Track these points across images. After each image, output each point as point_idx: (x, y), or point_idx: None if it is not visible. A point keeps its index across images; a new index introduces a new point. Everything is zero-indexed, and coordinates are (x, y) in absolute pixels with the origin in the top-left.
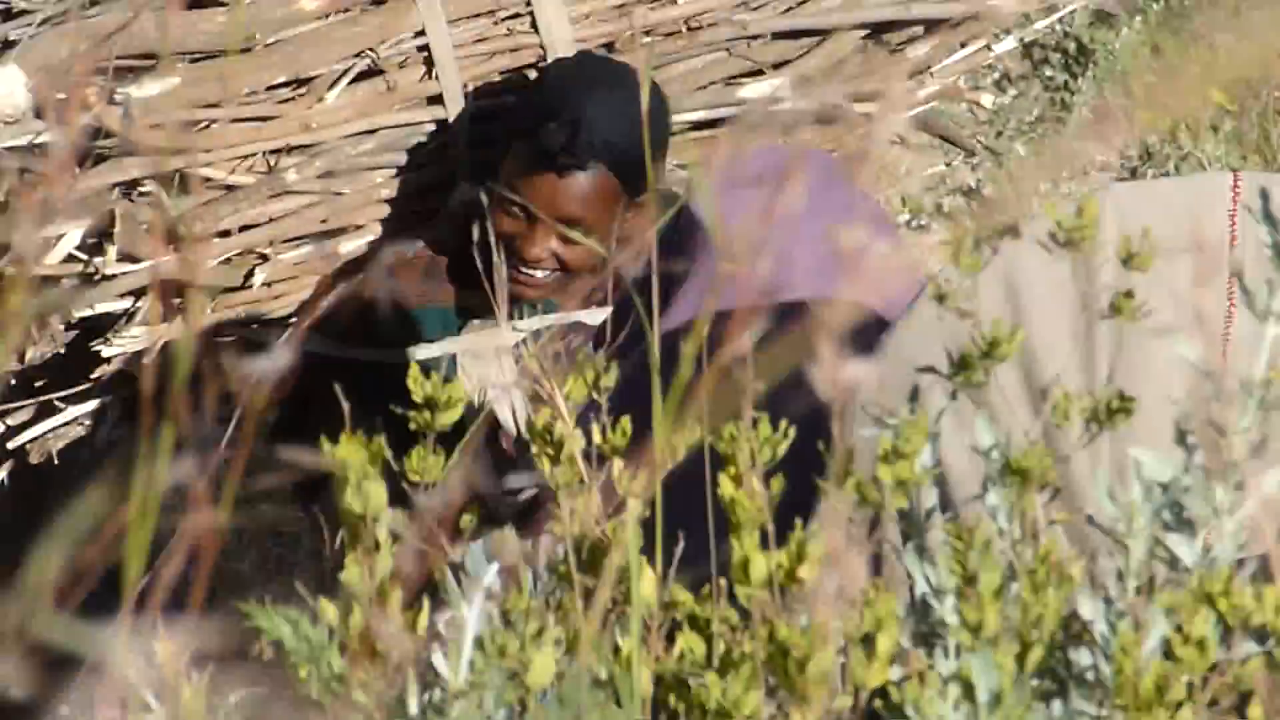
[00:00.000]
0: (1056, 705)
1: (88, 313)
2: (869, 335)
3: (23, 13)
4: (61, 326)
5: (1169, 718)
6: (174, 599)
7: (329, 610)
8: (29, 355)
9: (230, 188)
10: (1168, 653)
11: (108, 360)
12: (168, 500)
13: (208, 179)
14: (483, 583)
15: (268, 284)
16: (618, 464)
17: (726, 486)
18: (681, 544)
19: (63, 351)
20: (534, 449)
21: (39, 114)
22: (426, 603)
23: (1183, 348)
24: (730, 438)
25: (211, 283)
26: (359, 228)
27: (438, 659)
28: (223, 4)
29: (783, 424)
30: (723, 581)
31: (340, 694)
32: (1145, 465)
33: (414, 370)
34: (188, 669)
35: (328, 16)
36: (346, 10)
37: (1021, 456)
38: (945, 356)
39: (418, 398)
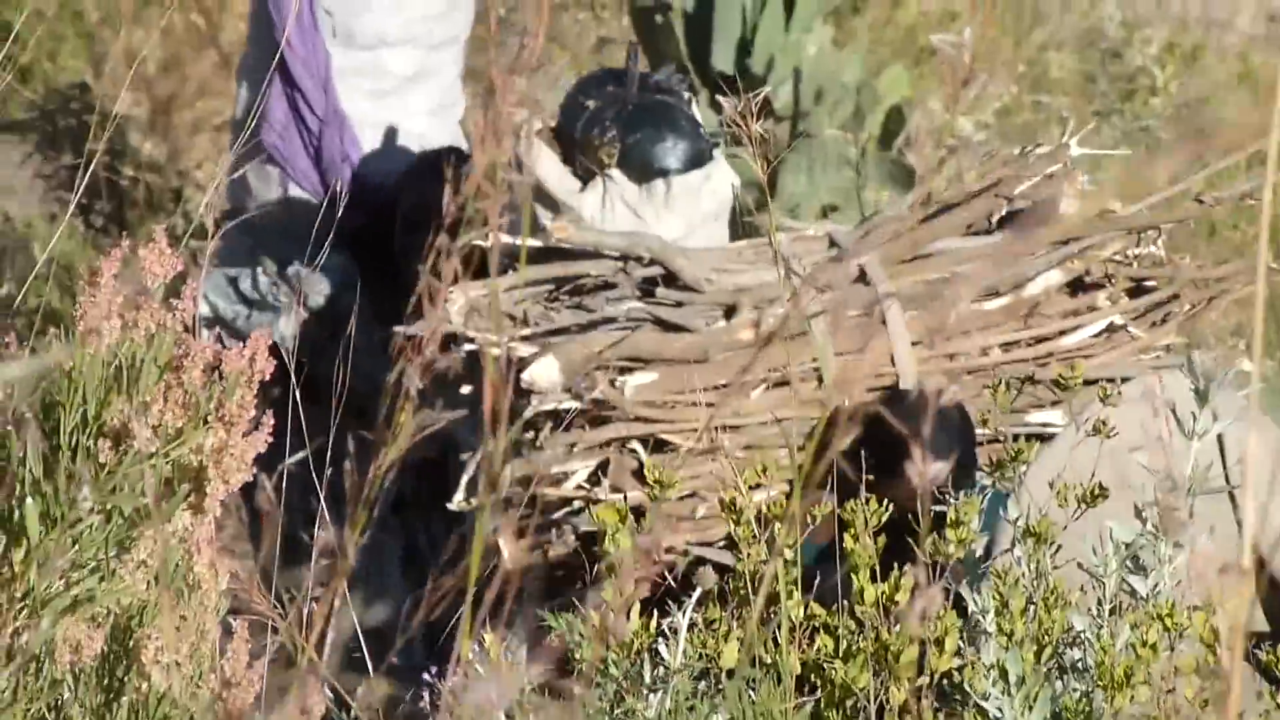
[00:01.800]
0: (1059, 684)
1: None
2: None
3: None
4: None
5: (1133, 693)
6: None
7: (594, 616)
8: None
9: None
10: (1133, 650)
11: None
12: None
13: (670, 442)
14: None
15: (705, 516)
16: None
17: (849, 541)
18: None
19: None
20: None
21: (566, 389)
22: (655, 612)
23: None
24: (850, 509)
25: (667, 511)
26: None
27: (663, 648)
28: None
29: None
30: (845, 603)
31: (600, 670)
32: (1115, 529)
33: None
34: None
35: (755, 345)
36: (768, 342)
37: (1037, 524)
38: None
39: None
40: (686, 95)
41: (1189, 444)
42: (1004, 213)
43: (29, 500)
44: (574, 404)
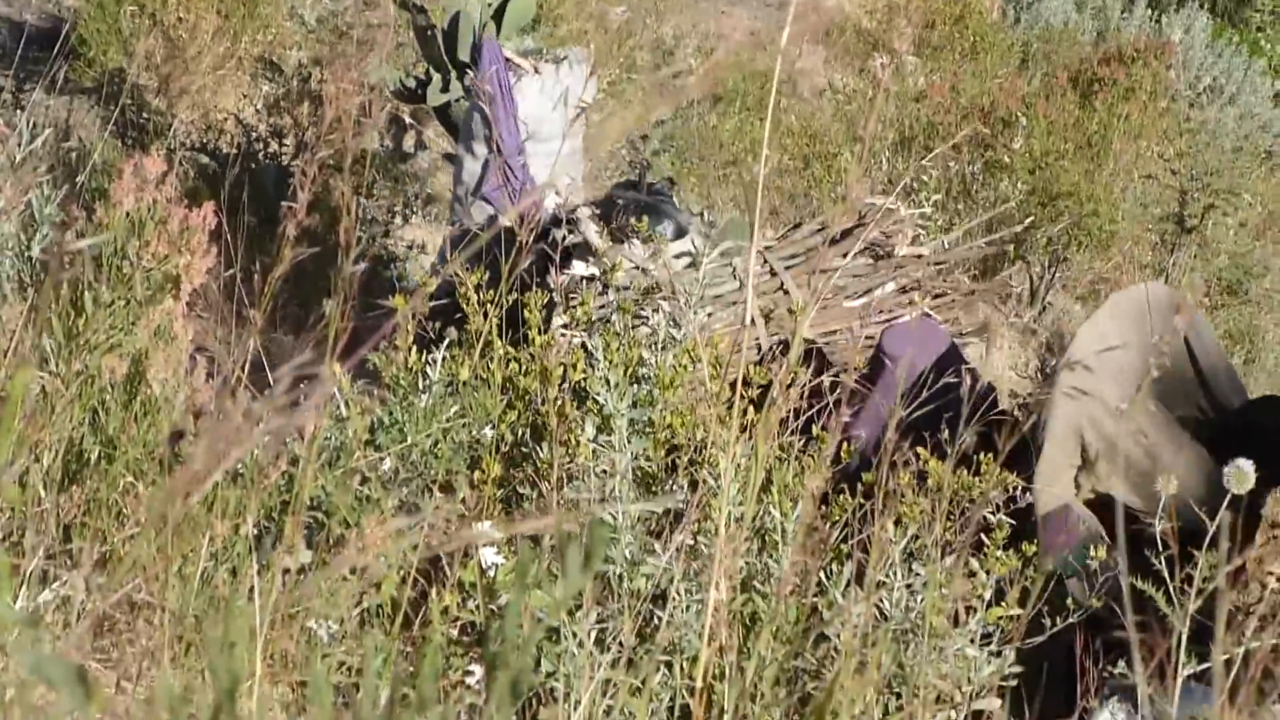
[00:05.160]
0: (637, 386)
1: None
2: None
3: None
4: None
5: (674, 391)
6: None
7: (396, 357)
8: None
9: None
10: (674, 368)
11: None
12: None
13: None
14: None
15: None
16: None
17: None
18: None
19: None
20: None
21: None
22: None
23: None
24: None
25: None
26: None
27: (429, 369)
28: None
29: None
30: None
31: (396, 381)
32: (665, 305)
33: None
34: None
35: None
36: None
37: (623, 303)
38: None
39: None
40: (671, 194)
41: (699, 267)
42: (861, 247)
43: (87, 293)
44: None
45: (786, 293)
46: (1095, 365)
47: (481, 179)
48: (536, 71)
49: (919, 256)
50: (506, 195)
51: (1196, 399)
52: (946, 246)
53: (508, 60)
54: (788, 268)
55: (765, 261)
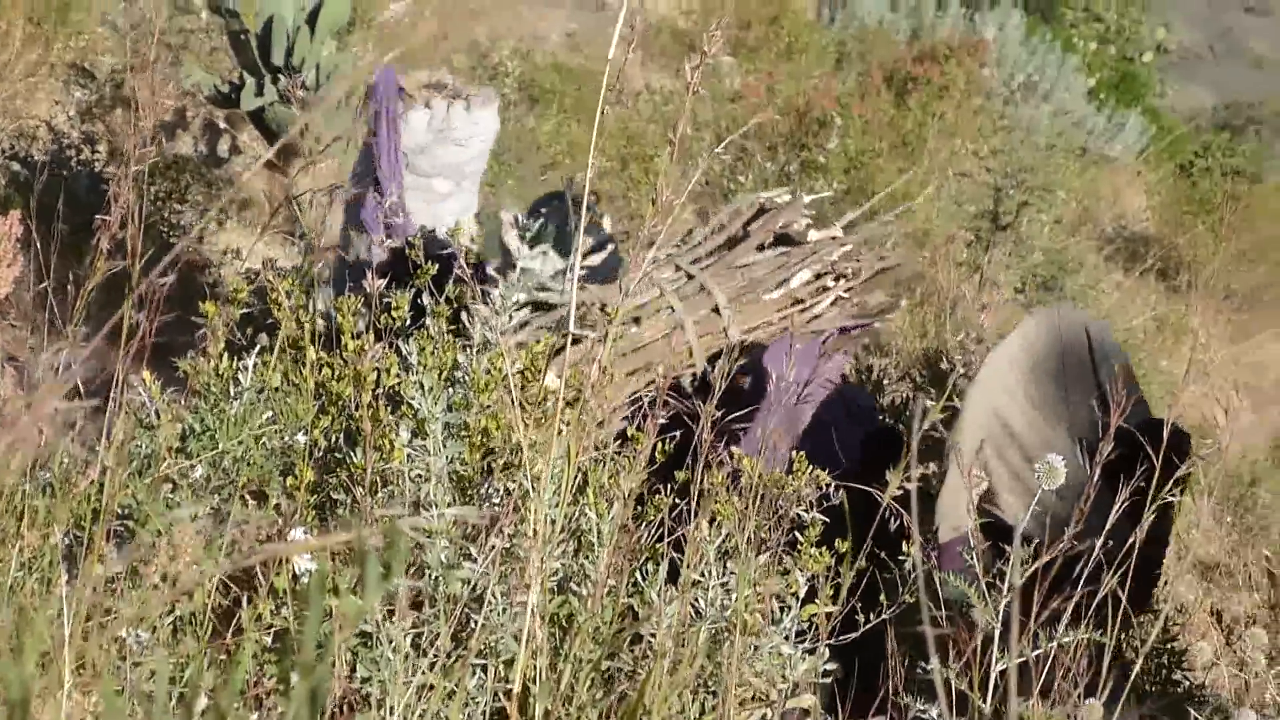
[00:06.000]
0: (452, 389)
1: None
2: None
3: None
4: None
5: (490, 394)
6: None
7: (204, 362)
8: None
9: None
10: (488, 372)
11: None
12: None
13: None
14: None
15: None
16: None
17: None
18: None
19: None
20: None
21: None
22: (238, 358)
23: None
24: None
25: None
26: None
27: (240, 376)
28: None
29: None
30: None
31: (206, 388)
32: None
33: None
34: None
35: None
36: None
37: (437, 307)
38: None
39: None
40: (599, 210)
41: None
42: (772, 238)
43: None
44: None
45: (708, 293)
46: (1004, 388)
47: (359, 205)
48: (427, 105)
49: (833, 238)
50: (383, 227)
51: (1093, 413)
52: (843, 229)
53: (401, 90)
54: (703, 269)
55: (679, 268)
